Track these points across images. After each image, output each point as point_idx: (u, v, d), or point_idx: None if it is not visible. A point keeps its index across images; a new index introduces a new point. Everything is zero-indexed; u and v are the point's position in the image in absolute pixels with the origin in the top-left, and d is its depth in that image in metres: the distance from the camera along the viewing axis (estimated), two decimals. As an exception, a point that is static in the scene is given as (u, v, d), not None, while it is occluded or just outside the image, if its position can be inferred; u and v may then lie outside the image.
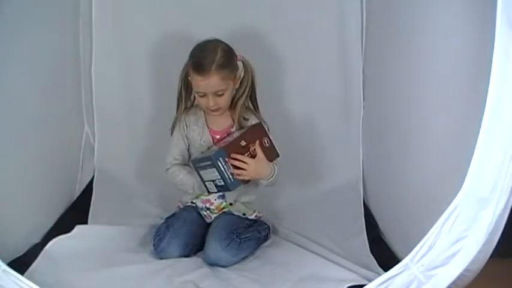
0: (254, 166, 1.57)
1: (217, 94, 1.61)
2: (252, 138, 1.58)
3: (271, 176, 1.63)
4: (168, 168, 1.71)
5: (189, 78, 1.65)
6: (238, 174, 1.57)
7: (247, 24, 2.06)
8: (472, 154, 1.10)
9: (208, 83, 1.58)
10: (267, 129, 1.70)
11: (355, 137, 2.13)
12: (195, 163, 1.63)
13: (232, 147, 1.56)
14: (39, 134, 1.69)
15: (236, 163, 1.55)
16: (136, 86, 2.16)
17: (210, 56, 1.59)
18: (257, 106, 1.76)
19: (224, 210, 1.73)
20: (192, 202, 1.75)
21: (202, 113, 1.73)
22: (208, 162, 1.55)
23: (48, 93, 1.77)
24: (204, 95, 1.62)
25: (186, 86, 1.70)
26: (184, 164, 1.73)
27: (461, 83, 1.29)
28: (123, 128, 2.18)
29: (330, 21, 2.09)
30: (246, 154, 1.57)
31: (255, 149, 1.58)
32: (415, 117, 1.56)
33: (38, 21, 1.66)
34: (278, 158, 1.65)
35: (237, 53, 1.66)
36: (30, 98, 1.63)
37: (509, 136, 1.07)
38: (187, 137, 1.72)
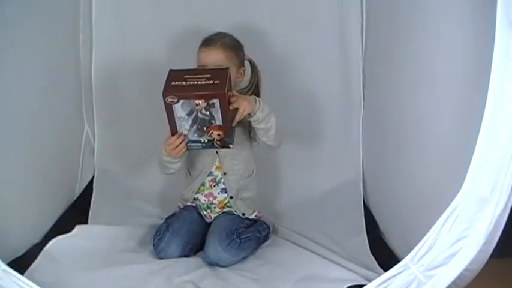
0: (244, 100, 1.51)
1: None
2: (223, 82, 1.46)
3: (260, 108, 1.56)
4: None
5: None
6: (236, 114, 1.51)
7: (247, 24, 2.06)
8: (472, 154, 1.10)
9: (210, 53, 1.62)
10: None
11: (355, 137, 2.13)
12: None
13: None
14: (39, 134, 1.69)
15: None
16: (137, 86, 2.16)
17: (219, 35, 1.66)
18: None
19: (225, 210, 1.74)
20: (194, 198, 1.75)
21: None
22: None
23: (48, 93, 1.78)
24: None
25: None
26: None
27: (461, 83, 1.29)
28: (123, 128, 2.18)
29: (330, 21, 2.10)
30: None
31: (232, 94, 1.52)
32: (415, 117, 1.56)
33: (38, 21, 1.66)
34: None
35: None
36: (30, 98, 1.63)
37: (509, 136, 1.07)
38: None
